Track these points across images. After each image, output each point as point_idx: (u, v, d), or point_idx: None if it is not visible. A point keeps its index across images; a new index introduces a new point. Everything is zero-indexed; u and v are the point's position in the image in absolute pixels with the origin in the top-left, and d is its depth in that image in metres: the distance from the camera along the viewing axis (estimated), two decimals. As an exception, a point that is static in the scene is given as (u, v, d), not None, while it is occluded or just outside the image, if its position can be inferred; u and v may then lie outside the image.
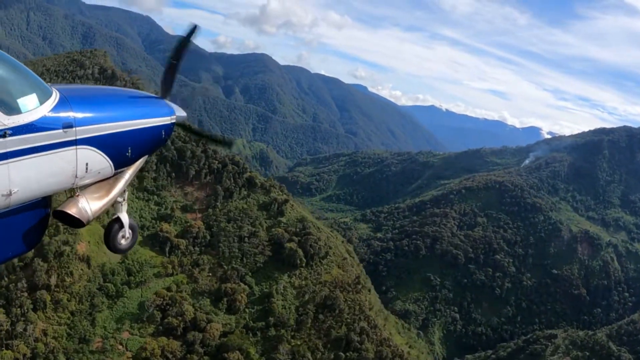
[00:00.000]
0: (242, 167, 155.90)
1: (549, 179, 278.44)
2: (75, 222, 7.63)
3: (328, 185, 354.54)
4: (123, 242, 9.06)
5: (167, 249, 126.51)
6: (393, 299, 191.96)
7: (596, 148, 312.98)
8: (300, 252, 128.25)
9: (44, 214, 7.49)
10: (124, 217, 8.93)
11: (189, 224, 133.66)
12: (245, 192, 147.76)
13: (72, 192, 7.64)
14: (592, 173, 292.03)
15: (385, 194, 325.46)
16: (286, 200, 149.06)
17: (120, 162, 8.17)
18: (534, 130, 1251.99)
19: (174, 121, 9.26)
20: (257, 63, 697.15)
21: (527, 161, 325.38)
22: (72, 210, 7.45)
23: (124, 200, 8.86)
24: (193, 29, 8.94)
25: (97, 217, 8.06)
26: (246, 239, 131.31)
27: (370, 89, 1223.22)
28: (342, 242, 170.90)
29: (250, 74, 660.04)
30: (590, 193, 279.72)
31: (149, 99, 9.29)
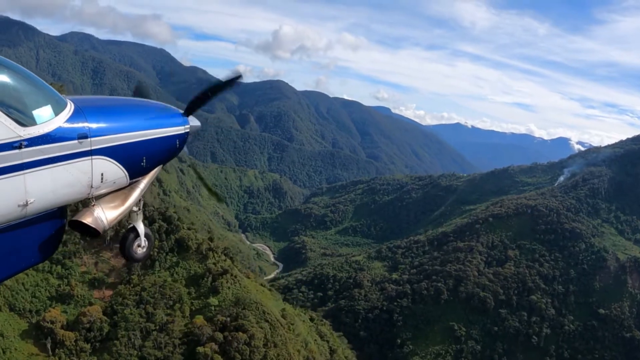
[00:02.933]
0: (174, 224, 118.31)
1: (588, 199, 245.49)
2: (91, 232, 7.71)
3: (344, 217, 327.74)
4: (139, 251, 9.17)
5: (49, 345, 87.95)
6: (409, 355, 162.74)
7: (638, 158, 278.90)
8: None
9: (60, 224, 7.56)
10: (140, 227, 9.06)
11: (86, 308, 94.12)
12: (175, 259, 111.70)
13: (87, 202, 7.72)
14: (636, 187, 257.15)
15: (405, 224, 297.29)
16: (224, 272, 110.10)
17: (135, 172, 8.28)
18: (563, 141, 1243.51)
19: (188, 131, 9.47)
20: (272, 90, 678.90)
21: (561, 178, 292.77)
22: (87, 220, 7.56)
23: (139, 209, 8.97)
24: (238, 77, 9.45)
25: (112, 227, 8.05)
26: (154, 333, 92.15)
27: (393, 110, 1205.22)
28: (314, 321, 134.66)
29: (265, 101, 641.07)
30: (636, 211, 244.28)
31: (163, 108, 9.38)
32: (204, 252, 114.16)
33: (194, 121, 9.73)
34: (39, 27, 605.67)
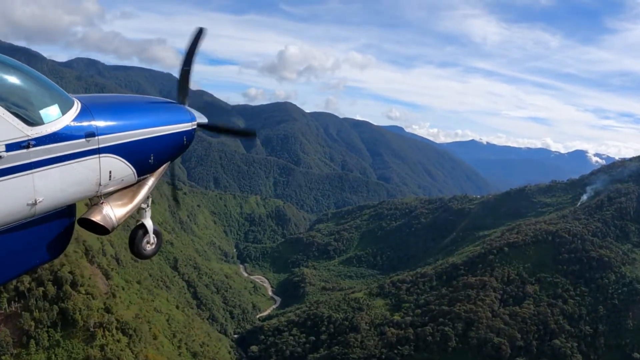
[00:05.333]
0: (63, 289, 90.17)
1: (616, 220, 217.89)
2: (100, 230, 7.78)
3: (349, 245, 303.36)
4: (148, 247, 9.28)
5: None
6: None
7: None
8: None
9: (69, 222, 7.59)
10: (148, 223, 9.13)
11: None
12: (57, 337, 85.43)
13: (96, 200, 7.81)
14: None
15: (414, 252, 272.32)
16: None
17: (143, 169, 8.35)
18: (580, 153, 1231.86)
19: (195, 127, 9.59)
20: (279, 112, 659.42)
21: (584, 197, 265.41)
22: (96, 218, 7.63)
23: (147, 206, 9.06)
24: (199, 33, 9.64)
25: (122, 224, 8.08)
26: None
27: (406, 129, 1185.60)
28: None
29: (272, 124, 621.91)
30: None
31: (169, 105, 9.53)
32: (91, 329, 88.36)
33: (201, 118, 9.71)
34: (46, 54, 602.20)
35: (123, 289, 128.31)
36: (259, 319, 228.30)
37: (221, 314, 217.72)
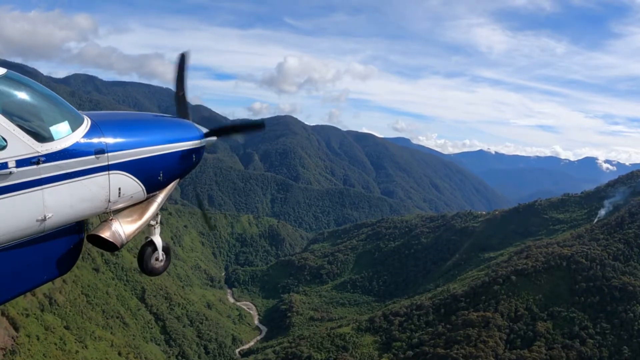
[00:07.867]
0: None
1: (639, 239, 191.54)
2: (109, 246, 7.85)
3: (343, 269, 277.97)
4: (157, 264, 9.23)
5: None
6: None
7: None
8: None
9: (78, 238, 7.64)
10: (157, 240, 9.10)
11: None
12: None
13: (105, 216, 7.85)
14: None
15: (413, 276, 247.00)
16: None
17: (152, 186, 8.40)
18: (590, 160, 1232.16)
19: (204, 144, 9.73)
20: (279, 126, 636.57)
21: (602, 212, 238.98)
22: (105, 234, 7.67)
23: (156, 223, 9.03)
24: (182, 58, 9.99)
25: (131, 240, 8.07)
26: None
27: (413, 140, 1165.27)
28: None
29: (271, 138, 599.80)
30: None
31: (178, 123, 9.60)
32: None
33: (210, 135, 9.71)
34: (45, 71, 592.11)
35: (38, 339, 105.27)
36: (239, 353, 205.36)
37: (193, 349, 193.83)
